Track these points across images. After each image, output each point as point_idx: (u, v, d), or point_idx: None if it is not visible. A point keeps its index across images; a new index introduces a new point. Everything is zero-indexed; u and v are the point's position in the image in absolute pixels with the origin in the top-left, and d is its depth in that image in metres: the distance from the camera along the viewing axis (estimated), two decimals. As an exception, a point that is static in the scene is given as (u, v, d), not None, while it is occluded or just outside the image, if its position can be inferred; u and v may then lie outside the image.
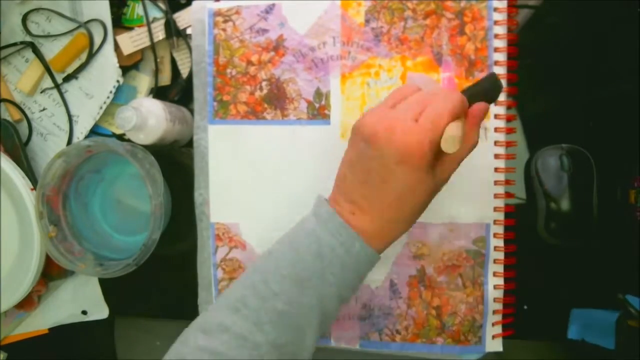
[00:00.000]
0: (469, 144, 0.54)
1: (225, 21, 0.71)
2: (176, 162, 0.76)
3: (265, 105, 0.70)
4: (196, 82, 0.72)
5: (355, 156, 0.53)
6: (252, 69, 0.70)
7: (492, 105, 0.66)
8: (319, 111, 0.70)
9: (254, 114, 0.71)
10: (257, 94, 0.70)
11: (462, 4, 0.67)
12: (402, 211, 0.52)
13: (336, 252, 0.51)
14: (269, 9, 0.70)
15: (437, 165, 0.53)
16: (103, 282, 0.81)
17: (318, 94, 0.70)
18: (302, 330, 0.52)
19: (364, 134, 0.51)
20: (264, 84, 0.70)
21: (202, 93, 0.72)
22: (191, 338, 0.52)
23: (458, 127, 0.50)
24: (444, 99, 0.51)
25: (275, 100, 0.70)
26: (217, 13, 0.71)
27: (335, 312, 0.54)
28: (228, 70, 0.71)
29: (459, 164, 0.54)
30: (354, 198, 0.53)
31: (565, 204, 0.69)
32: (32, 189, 0.76)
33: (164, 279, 0.79)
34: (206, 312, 0.55)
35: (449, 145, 0.50)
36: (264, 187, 0.71)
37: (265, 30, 0.70)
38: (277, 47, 0.70)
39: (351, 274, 0.53)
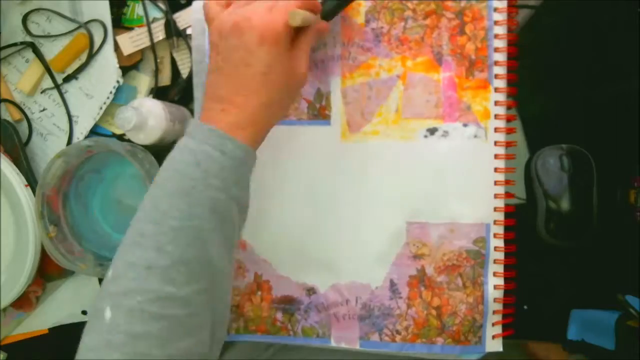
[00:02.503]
0: (315, 27, 0.59)
1: None
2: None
3: None
4: (196, 81, 0.72)
5: (219, 56, 0.56)
6: None
7: (492, 105, 0.66)
8: (319, 112, 0.69)
9: None
10: None
11: (462, 3, 0.67)
12: (268, 92, 0.55)
13: (212, 156, 0.52)
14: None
15: (293, 49, 0.57)
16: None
17: (319, 94, 0.69)
18: (203, 240, 0.51)
19: (226, 28, 0.54)
20: None
21: (202, 92, 0.70)
22: (103, 288, 0.51)
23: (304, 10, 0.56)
24: None
25: None
26: None
27: (235, 215, 0.54)
28: None
29: (308, 47, 0.58)
30: (222, 94, 0.55)
31: (565, 204, 0.69)
32: (26, 185, 0.75)
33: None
34: (114, 259, 0.53)
35: (292, 18, 0.54)
36: (264, 186, 0.70)
37: None
38: None
39: (233, 173, 0.53)
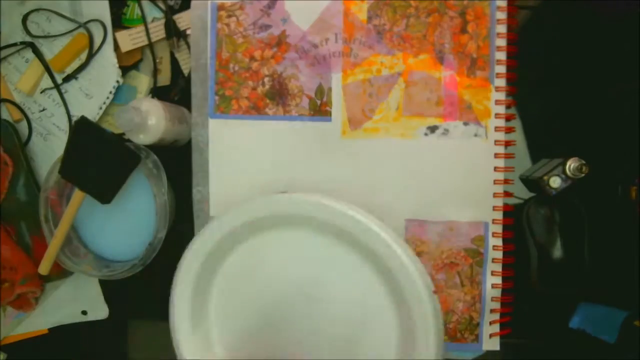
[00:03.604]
0: None
1: (229, 16, 0.69)
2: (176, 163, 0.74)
3: (267, 101, 0.69)
4: (194, 77, 0.70)
5: None
6: (254, 65, 0.69)
7: (492, 104, 0.65)
8: (320, 108, 0.68)
9: (255, 110, 0.69)
10: (260, 89, 0.69)
11: (465, 2, 0.65)
12: None
13: None
14: (272, 4, 0.68)
15: None
16: (104, 284, 0.79)
17: (320, 90, 0.68)
18: None
19: None
20: (266, 79, 0.68)
21: (200, 89, 0.70)
22: None
23: None
24: None
25: (278, 96, 0.68)
26: (221, 7, 0.69)
27: None
28: (231, 65, 0.69)
29: None
30: None
31: (556, 253, 0.67)
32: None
33: (167, 280, 0.77)
34: None
35: None
36: (265, 182, 0.69)
37: (268, 26, 0.68)
38: (280, 43, 0.68)
39: None
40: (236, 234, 0.65)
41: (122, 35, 0.73)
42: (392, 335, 0.64)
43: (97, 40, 0.74)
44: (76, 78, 0.76)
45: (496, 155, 0.66)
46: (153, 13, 0.74)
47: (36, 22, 0.77)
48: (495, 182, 0.66)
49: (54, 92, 0.77)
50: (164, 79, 0.76)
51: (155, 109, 0.66)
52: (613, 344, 0.63)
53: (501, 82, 0.65)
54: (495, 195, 0.66)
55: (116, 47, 0.74)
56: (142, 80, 0.76)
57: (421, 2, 0.66)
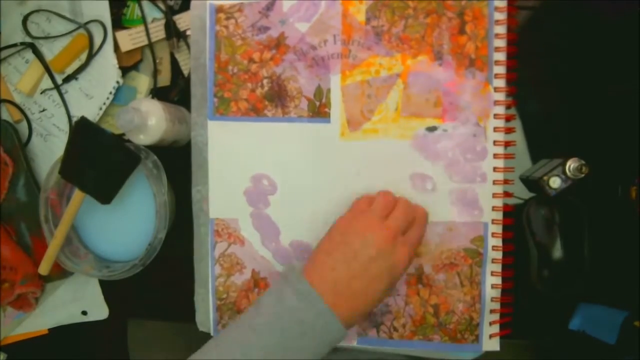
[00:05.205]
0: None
1: (228, 18, 0.68)
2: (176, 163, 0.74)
3: (266, 103, 0.68)
4: (194, 78, 0.70)
5: (351, 253, 0.58)
6: (253, 67, 0.68)
7: (491, 105, 0.65)
8: (319, 109, 0.68)
9: (254, 111, 0.69)
10: (259, 91, 0.68)
11: (463, 3, 0.65)
12: (377, 300, 0.59)
13: (317, 333, 0.55)
14: (270, 6, 0.68)
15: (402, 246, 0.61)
16: (104, 284, 0.79)
17: (319, 92, 0.68)
18: None
19: (370, 245, 0.57)
20: (265, 81, 0.68)
21: (200, 89, 0.69)
22: None
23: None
24: (421, 225, 0.64)
25: (277, 98, 0.68)
26: (220, 9, 0.68)
27: None
28: (229, 67, 0.69)
29: (414, 246, 0.63)
30: (340, 289, 0.57)
31: (556, 254, 0.67)
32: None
33: (167, 280, 0.77)
34: None
35: None
36: (264, 183, 0.69)
37: (267, 28, 0.68)
38: (279, 44, 0.68)
39: (326, 348, 0.57)
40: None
41: (122, 36, 0.74)
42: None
43: (97, 41, 0.74)
44: (76, 78, 0.76)
45: (495, 156, 0.65)
46: (153, 13, 0.74)
47: (36, 22, 0.77)
48: (495, 182, 0.66)
49: (54, 93, 0.77)
50: (164, 79, 0.76)
51: (155, 110, 0.67)
52: (613, 345, 0.63)
53: (500, 83, 0.65)
54: (495, 195, 0.66)
55: (116, 47, 0.74)
56: (142, 81, 0.76)
57: (419, 3, 0.66)
